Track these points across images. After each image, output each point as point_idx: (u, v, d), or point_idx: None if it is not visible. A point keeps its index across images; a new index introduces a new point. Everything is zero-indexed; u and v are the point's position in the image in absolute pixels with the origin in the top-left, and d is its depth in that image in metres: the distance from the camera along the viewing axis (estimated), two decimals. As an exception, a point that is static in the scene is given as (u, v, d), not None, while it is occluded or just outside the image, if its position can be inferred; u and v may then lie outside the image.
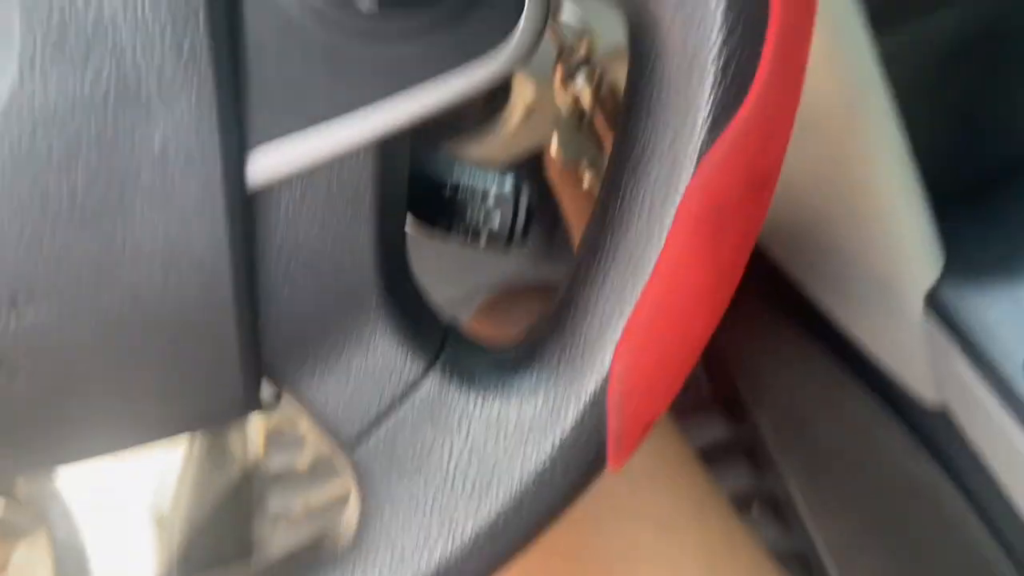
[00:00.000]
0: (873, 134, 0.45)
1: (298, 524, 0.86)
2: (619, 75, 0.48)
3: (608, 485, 0.28)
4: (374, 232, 0.24)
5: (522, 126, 0.62)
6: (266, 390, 0.27)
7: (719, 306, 0.25)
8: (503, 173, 0.31)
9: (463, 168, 0.31)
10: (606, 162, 0.25)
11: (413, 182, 0.30)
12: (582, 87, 0.44)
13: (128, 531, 0.73)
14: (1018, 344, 0.46)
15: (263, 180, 0.22)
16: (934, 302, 0.50)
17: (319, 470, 0.88)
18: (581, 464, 0.26)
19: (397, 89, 0.22)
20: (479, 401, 0.26)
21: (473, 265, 1.00)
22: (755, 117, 0.22)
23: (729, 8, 0.21)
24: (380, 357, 0.25)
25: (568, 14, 0.43)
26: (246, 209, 0.22)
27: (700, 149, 0.22)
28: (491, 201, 0.30)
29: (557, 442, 0.25)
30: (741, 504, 0.84)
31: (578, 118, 0.46)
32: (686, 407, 0.98)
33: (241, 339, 0.23)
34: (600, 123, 0.47)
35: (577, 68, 0.45)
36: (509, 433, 0.26)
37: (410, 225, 0.32)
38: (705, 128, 0.22)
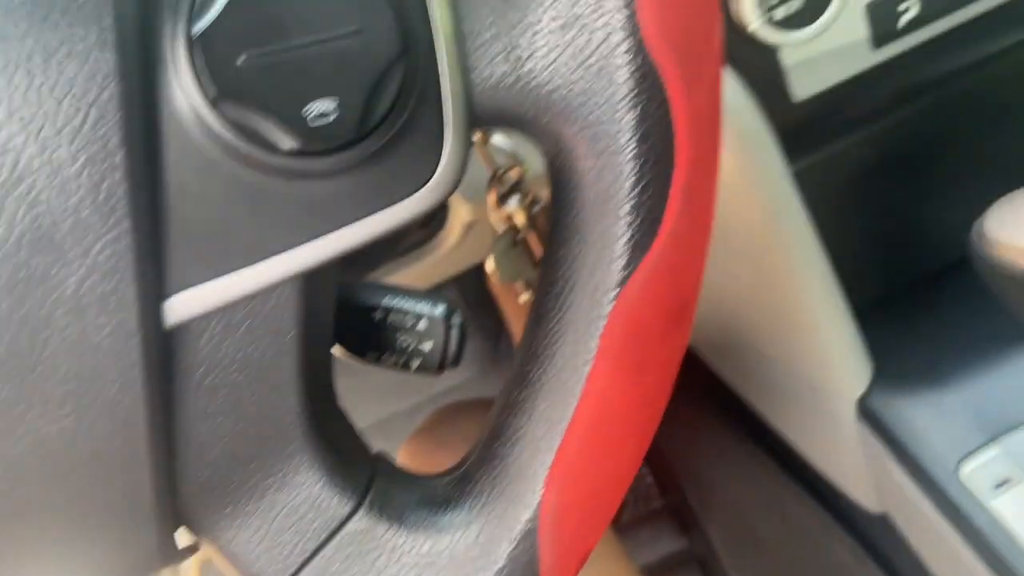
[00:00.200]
0: (793, 251, 0.47)
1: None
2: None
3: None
4: (297, 366, 0.24)
5: (460, 244, 0.63)
6: (183, 539, 0.25)
7: (647, 431, 0.25)
8: (435, 298, 0.31)
9: (393, 294, 0.31)
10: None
11: (342, 310, 0.30)
12: (515, 209, 0.45)
13: None
14: (948, 449, 0.47)
15: (180, 318, 0.22)
16: (865, 410, 0.51)
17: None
18: None
19: (320, 228, 0.22)
20: (410, 539, 0.25)
21: (417, 379, 0.99)
22: (669, 249, 0.23)
23: (639, 150, 0.22)
24: (305, 497, 0.24)
25: (499, 138, 0.45)
26: (162, 348, 0.22)
27: (619, 280, 0.23)
28: (422, 326, 0.30)
29: None
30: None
31: (513, 237, 0.47)
32: (638, 520, 0.96)
33: (156, 485, 0.22)
34: (534, 241, 0.48)
35: (510, 191, 0.46)
36: (441, 571, 0.25)
37: (340, 353, 0.32)
38: (622, 261, 0.23)
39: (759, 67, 0.44)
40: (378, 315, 0.31)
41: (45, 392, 0.20)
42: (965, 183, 0.47)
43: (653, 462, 0.96)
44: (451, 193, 0.23)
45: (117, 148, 0.20)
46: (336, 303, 0.28)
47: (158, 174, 0.20)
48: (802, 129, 0.46)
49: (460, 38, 0.22)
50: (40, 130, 0.19)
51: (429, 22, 0.21)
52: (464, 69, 0.22)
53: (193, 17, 0.20)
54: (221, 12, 0.20)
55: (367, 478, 0.26)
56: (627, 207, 0.23)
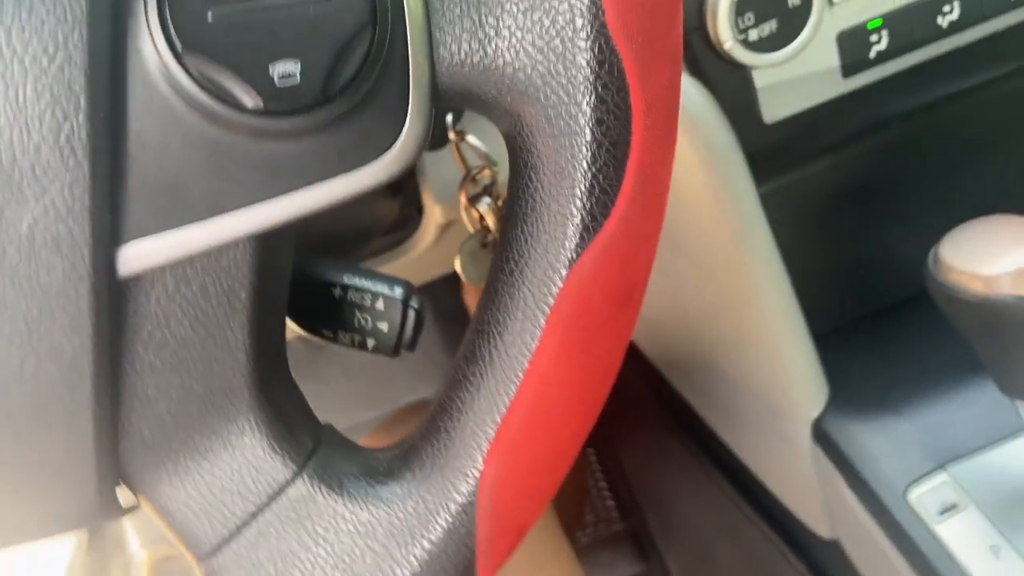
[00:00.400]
0: (757, 270, 0.48)
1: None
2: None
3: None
4: (248, 327, 0.24)
5: (435, 246, 0.63)
6: (124, 497, 0.25)
7: (589, 415, 0.26)
8: (395, 281, 0.31)
9: (354, 272, 0.31)
10: None
11: (303, 284, 0.30)
12: (486, 210, 0.46)
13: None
14: (897, 473, 0.48)
15: (133, 269, 0.22)
16: (820, 432, 0.52)
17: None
18: (450, 573, 0.25)
19: (278, 189, 0.22)
20: (349, 507, 0.25)
21: (388, 387, 0.99)
22: (620, 232, 0.24)
23: (595, 134, 0.23)
24: (247, 460, 0.25)
25: (473, 139, 0.46)
26: (113, 298, 0.22)
27: (571, 257, 0.24)
28: (380, 305, 0.31)
29: (426, 550, 0.25)
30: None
31: (483, 238, 0.48)
32: (598, 543, 0.96)
33: (97, 436, 0.22)
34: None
35: (482, 192, 0.47)
36: (378, 541, 0.25)
37: (298, 328, 0.32)
38: (574, 240, 0.24)
39: (732, 86, 0.45)
40: (337, 292, 0.31)
41: None
42: (927, 216, 0.48)
43: (616, 485, 0.96)
44: (410, 166, 0.24)
45: (81, 91, 0.20)
46: (297, 278, 0.29)
47: (120, 121, 0.21)
48: (770, 152, 0.47)
49: (428, 12, 0.23)
50: (6, 69, 0.20)
51: None
52: (431, 43, 0.23)
53: None
54: None
55: (311, 446, 0.26)
56: (581, 188, 0.23)
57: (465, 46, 0.23)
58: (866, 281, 0.55)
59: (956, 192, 0.53)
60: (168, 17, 0.20)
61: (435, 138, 0.48)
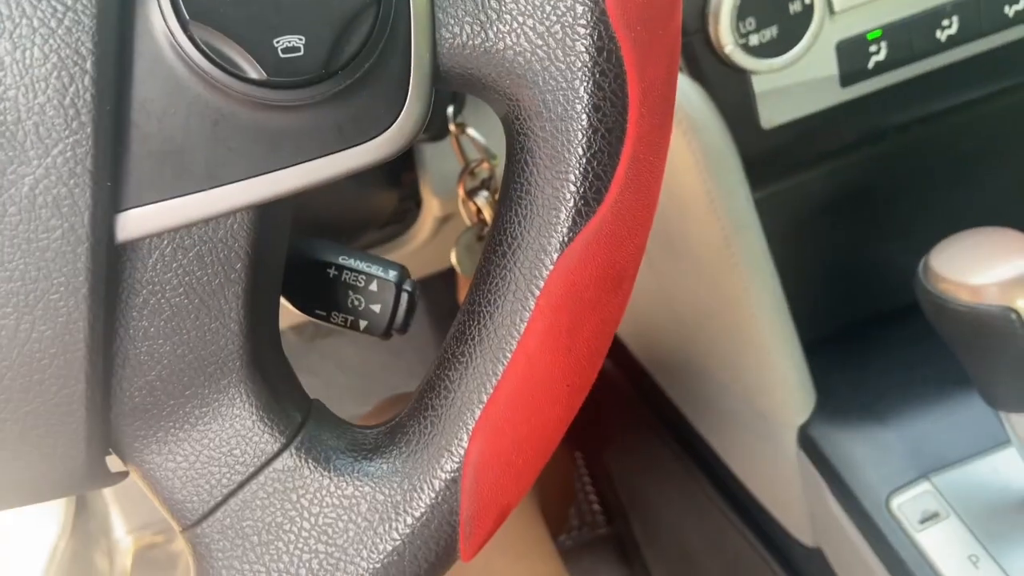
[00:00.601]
0: (750, 274, 0.49)
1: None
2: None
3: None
4: (243, 298, 0.24)
5: (432, 241, 0.63)
6: (113, 464, 0.26)
7: (574, 399, 0.26)
8: (389, 263, 0.32)
9: (349, 253, 0.31)
10: None
11: (298, 263, 0.30)
12: (483, 203, 0.46)
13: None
14: (880, 482, 0.48)
15: (131, 235, 0.22)
16: (805, 438, 0.52)
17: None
18: (432, 549, 0.25)
19: (278, 161, 0.22)
20: (334, 481, 0.25)
21: (380, 382, 0.99)
22: (612, 218, 0.24)
23: (591, 120, 0.23)
24: (236, 430, 0.25)
25: (473, 132, 0.46)
26: (111, 262, 0.22)
27: (563, 241, 0.24)
28: (374, 287, 0.31)
29: (409, 525, 0.25)
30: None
31: (479, 231, 0.48)
32: (582, 546, 0.96)
33: (89, 400, 0.23)
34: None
35: (480, 185, 0.47)
36: (361, 515, 0.25)
37: (291, 306, 0.32)
38: (566, 224, 0.24)
39: (731, 90, 0.45)
40: (332, 272, 0.31)
41: None
42: (920, 227, 0.49)
43: (602, 489, 0.97)
44: (407, 145, 0.24)
45: (88, 55, 0.20)
46: (293, 257, 0.29)
47: (126, 87, 0.21)
48: (766, 157, 0.48)
49: None
50: (15, 29, 0.20)
51: None
52: (433, 24, 0.23)
53: None
54: None
55: (300, 420, 0.26)
56: (575, 173, 0.24)
57: (467, 28, 0.23)
58: (857, 290, 0.56)
59: (949, 204, 0.53)
60: None
61: (436, 130, 0.48)
